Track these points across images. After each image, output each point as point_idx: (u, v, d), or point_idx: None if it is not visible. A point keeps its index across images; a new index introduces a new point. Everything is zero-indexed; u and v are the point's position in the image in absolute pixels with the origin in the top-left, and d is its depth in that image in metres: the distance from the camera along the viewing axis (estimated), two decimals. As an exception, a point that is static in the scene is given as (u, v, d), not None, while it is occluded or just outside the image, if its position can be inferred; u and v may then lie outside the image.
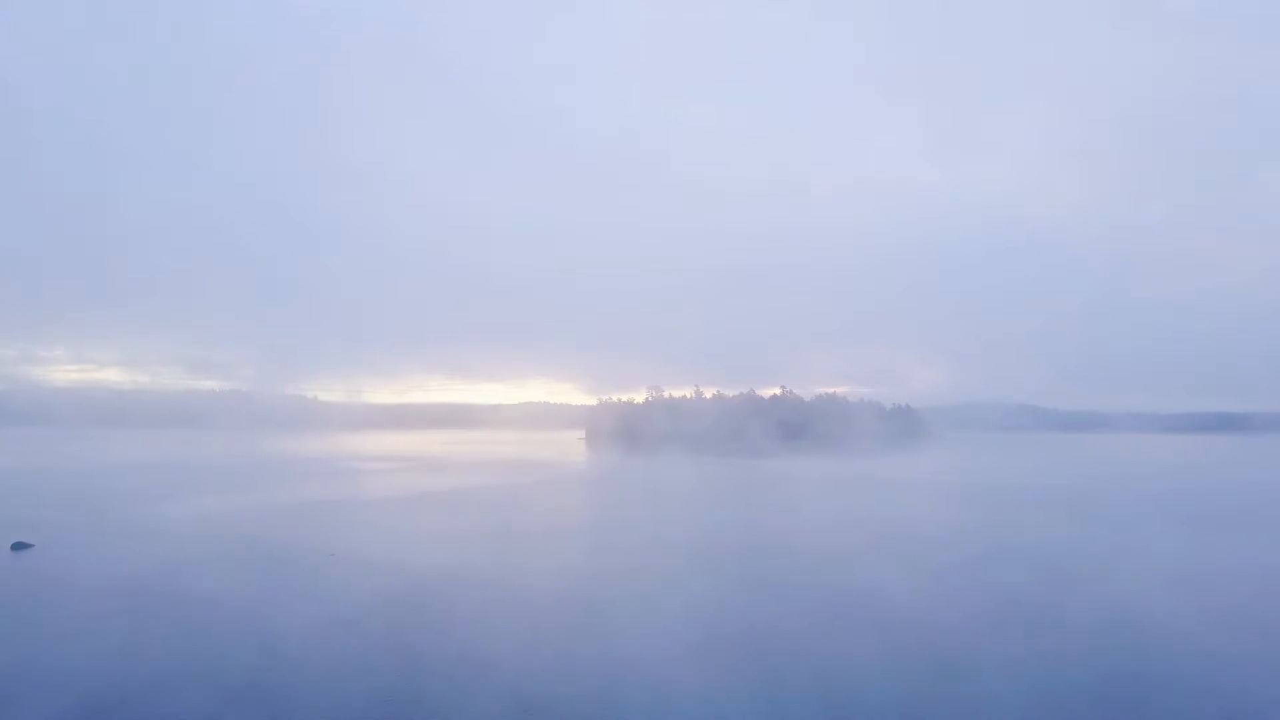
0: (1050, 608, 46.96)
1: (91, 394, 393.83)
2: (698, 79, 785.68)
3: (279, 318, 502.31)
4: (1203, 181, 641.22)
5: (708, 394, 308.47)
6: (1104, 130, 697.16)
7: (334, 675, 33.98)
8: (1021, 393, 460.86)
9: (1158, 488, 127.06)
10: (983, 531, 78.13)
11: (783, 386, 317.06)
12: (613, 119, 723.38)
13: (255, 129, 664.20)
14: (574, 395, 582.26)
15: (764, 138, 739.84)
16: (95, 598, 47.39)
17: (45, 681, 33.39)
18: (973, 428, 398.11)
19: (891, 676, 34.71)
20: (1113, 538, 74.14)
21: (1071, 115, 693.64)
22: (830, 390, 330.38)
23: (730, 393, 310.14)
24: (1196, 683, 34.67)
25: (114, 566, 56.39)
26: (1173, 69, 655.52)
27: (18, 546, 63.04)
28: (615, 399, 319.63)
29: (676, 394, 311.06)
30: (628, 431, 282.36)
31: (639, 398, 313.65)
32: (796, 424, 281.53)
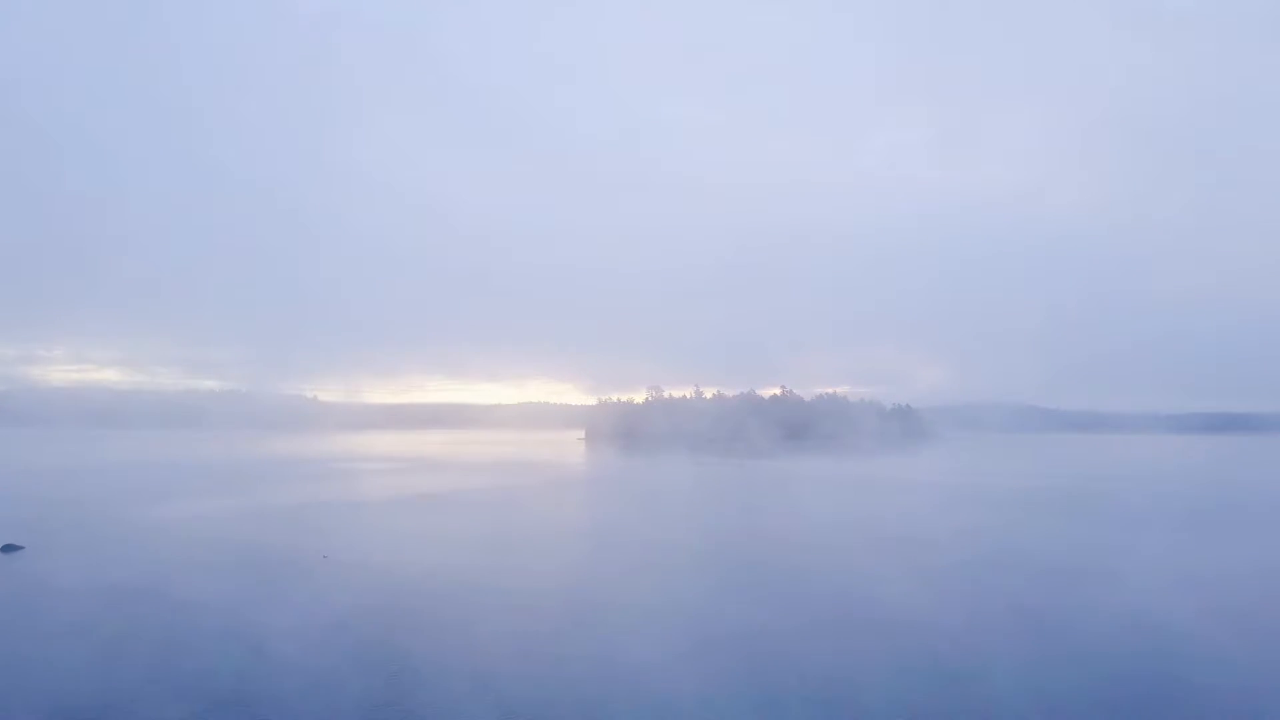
0: (1054, 610, 46.13)
1: (90, 394, 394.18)
2: (698, 79, 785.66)
3: (278, 317, 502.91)
4: (1203, 182, 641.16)
5: (708, 394, 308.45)
6: (1104, 130, 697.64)
7: (322, 681, 33.14)
8: (1024, 393, 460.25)
9: (1163, 489, 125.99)
10: (985, 533, 77.28)
11: (783, 386, 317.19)
12: (613, 119, 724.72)
13: (255, 129, 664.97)
14: (573, 395, 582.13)
15: (764, 138, 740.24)
16: (83, 601, 46.51)
17: (26, 687, 32.52)
18: (974, 428, 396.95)
19: (893, 679, 33.91)
20: (1117, 539, 73.39)
21: (1072, 115, 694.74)
22: (831, 390, 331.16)
23: (730, 393, 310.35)
24: (1204, 686, 33.79)
25: (104, 569, 55.53)
26: (1173, 69, 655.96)
27: (8, 549, 62.12)
28: (615, 399, 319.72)
29: (676, 394, 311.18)
30: (627, 431, 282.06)
31: (639, 398, 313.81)
32: (797, 424, 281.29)
